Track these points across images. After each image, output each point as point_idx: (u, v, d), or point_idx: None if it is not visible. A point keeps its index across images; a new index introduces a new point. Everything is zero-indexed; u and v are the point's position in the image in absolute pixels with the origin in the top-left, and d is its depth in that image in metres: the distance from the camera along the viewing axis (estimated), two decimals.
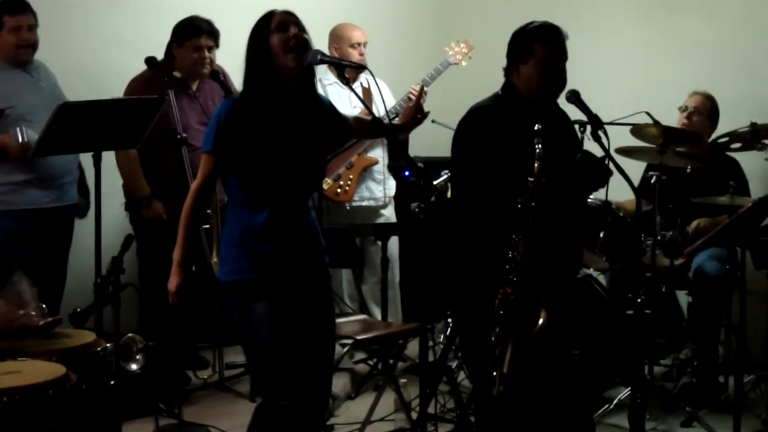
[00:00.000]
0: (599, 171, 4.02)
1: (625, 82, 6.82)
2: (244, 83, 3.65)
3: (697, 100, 5.79)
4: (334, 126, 3.85)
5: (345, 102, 6.21)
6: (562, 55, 4.02)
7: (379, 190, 6.35)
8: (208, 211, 5.28)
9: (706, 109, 5.77)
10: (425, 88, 6.09)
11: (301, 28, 3.62)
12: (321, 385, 3.80)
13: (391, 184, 6.43)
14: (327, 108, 3.85)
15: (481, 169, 3.94)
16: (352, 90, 3.96)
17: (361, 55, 6.16)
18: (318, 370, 3.76)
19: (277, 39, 3.56)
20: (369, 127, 4.07)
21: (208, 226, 5.24)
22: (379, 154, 6.32)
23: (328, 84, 6.24)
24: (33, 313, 3.99)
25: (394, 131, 4.17)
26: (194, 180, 5.12)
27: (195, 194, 3.70)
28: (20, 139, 4.97)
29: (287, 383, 3.60)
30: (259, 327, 3.61)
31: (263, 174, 3.58)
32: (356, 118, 4.16)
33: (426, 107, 6.04)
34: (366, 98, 5.72)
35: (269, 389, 3.66)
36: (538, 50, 3.97)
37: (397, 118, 6.06)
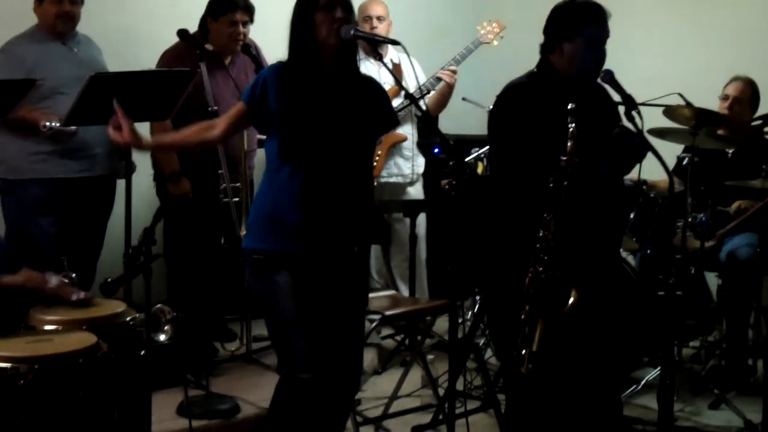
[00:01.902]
0: (637, 145, 4.01)
1: (658, 63, 6.78)
2: (287, 53, 3.66)
3: (737, 88, 5.72)
4: (380, 108, 3.82)
5: (374, 78, 6.18)
6: (606, 35, 4.01)
7: (408, 167, 6.33)
8: (238, 184, 5.29)
9: (747, 97, 5.71)
10: (454, 67, 6.08)
11: (348, 8, 3.63)
12: (350, 362, 3.79)
13: (420, 162, 6.41)
14: (377, 89, 3.86)
15: (518, 147, 3.93)
16: (384, 65, 3.94)
17: (372, 28, 6.10)
18: (346, 348, 3.75)
19: (322, 17, 3.56)
20: None
21: (237, 199, 5.25)
22: (408, 130, 6.30)
23: (358, 60, 6.20)
24: (66, 280, 4.01)
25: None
26: (224, 151, 5.20)
27: (210, 126, 3.81)
28: (50, 125, 5.01)
29: (309, 356, 3.60)
30: (280, 299, 3.61)
31: (298, 135, 3.57)
32: None
33: (456, 84, 6.14)
34: (396, 74, 5.70)
35: (291, 362, 3.66)
36: (588, 29, 3.95)
37: (429, 94, 6.09)
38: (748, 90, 5.72)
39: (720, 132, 5.36)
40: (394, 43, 3.97)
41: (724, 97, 5.73)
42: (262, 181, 3.73)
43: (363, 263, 3.85)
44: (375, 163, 6.16)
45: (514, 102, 4.00)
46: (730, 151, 5.64)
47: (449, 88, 6.13)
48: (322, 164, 3.61)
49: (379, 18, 6.16)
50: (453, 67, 6.08)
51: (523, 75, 4.09)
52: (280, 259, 3.61)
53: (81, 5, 5.37)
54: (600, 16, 3.99)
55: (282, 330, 3.67)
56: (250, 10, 5.48)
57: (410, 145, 6.31)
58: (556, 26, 4.01)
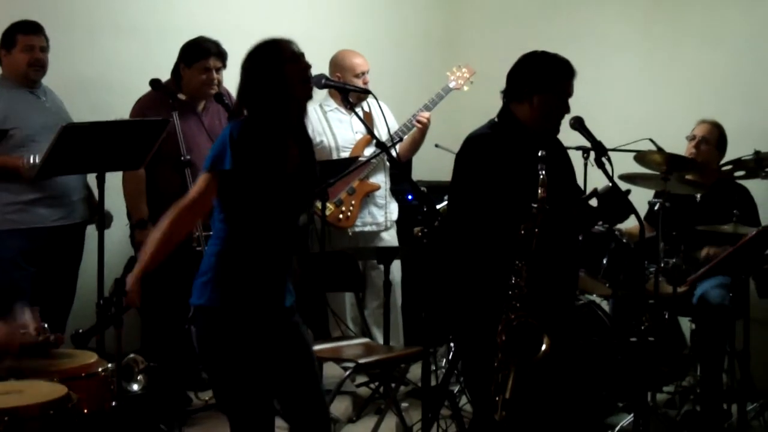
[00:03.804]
0: (622, 206, 4.06)
1: (629, 109, 6.82)
2: (251, 108, 3.61)
3: (705, 129, 5.79)
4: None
5: (346, 127, 6.22)
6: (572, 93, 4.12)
7: (381, 214, 6.34)
8: (211, 233, 5.28)
9: (714, 138, 5.77)
10: (427, 114, 6.11)
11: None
12: (314, 412, 3.76)
13: (393, 208, 6.42)
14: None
15: (482, 197, 3.95)
16: (356, 114, 3.95)
17: (365, 83, 6.15)
18: (308, 398, 3.73)
19: (292, 70, 3.56)
20: None
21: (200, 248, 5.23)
22: (381, 179, 6.31)
23: (329, 110, 6.23)
24: (33, 332, 3.98)
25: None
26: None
27: (189, 210, 3.64)
28: (32, 162, 5.01)
29: (256, 420, 3.61)
30: (231, 362, 3.58)
31: (271, 198, 3.55)
32: None
33: (429, 131, 6.18)
34: (367, 122, 5.73)
35: (239, 425, 3.65)
36: (562, 85, 4.04)
37: (399, 143, 6.12)
38: (715, 132, 5.79)
39: (689, 177, 5.40)
40: (365, 92, 4.00)
41: (692, 138, 5.79)
42: (218, 239, 3.67)
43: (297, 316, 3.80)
44: (349, 214, 6.18)
45: (477, 153, 4.03)
46: (698, 196, 5.68)
47: (422, 134, 6.17)
48: (286, 219, 3.63)
49: (367, 72, 6.19)
50: (426, 114, 6.11)
51: (483, 125, 4.12)
52: (229, 316, 3.57)
53: (48, 52, 5.39)
54: (572, 74, 4.07)
55: (229, 393, 3.64)
56: (222, 57, 5.50)
57: (383, 193, 6.33)
58: (529, 77, 4.06)
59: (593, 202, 4.26)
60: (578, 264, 4.65)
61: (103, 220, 4.75)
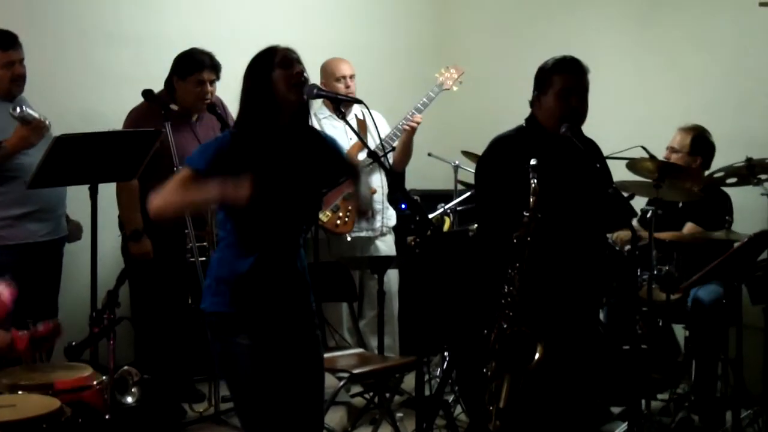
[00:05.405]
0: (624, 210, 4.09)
1: (621, 116, 6.81)
2: (240, 117, 3.62)
3: (675, 138, 5.78)
4: (334, 162, 3.81)
5: (341, 135, 6.19)
6: (580, 86, 4.12)
7: (378, 219, 6.32)
8: (204, 243, 5.29)
9: (685, 146, 5.73)
10: (419, 116, 6.10)
11: (303, 67, 3.63)
12: (311, 422, 3.76)
13: (391, 214, 6.38)
14: (328, 144, 3.83)
15: (500, 200, 3.98)
16: (347, 123, 3.96)
17: (347, 87, 6.14)
18: (307, 408, 3.72)
19: (280, 74, 3.55)
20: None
21: (204, 258, 5.23)
22: (377, 183, 6.29)
23: (323, 117, 6.23)
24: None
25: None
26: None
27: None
28: (18, 112, 4.93)
29: (269, 419, 3.59)
30: (240, 361, 3.58)
31: (259, 215, 3.52)
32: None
33: (422, 140, 6.16)
34: (360, 130, 5.72)
35: (251, 424, 3.64)
36: (556, 81, 4.07)
37: (392, 152, 6.12)
38: (685, 138, 5.75)
39: (681, 184, 5.40)
40: (356, 101, 4.02)
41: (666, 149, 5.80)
42: (219, 250, 3.68)
43: (313, 323, 3.79)
44: (347, 219, 6.17)
45: (501, 154, 4.07)
46: (681, 203, 5.68)
47: (410, 137, 6.13)
48: (281, 235, 3.61)
49: (351, 77, 6.19)
50: (418, 117, 6.09)
51: (511, 129, 4.17)
52: (237, 321, 3.57)
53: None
54: (571, 68, 4.09)
55: (244, 392, 3.63)
56: (216, 69, 5.50)
57: (380, 197, 6.29)
58: (536, 81, 4.16)
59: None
60: (601, 269, 4.59)
61: (96, 232, 4.73)
